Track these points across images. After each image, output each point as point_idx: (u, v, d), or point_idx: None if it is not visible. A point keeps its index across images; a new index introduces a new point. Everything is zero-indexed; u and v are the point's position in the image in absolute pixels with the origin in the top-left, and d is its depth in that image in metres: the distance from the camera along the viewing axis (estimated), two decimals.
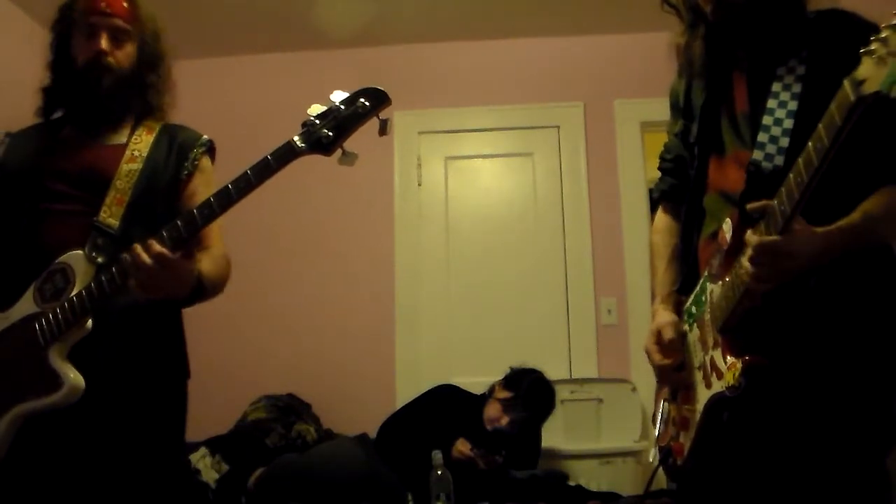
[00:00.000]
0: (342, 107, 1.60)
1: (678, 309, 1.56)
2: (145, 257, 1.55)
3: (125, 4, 1.85)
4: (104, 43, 1.83)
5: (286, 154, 1.60)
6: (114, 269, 1.62)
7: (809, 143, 1.11)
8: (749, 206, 1.24)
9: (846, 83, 1.03)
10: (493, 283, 3.89)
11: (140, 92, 1.89)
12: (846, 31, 1.39)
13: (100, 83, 1.83)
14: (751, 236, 1.23)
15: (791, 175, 1.15)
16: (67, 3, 1.89)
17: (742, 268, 1.26)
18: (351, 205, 3.98)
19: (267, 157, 1.61)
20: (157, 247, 1.56)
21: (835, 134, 1.05)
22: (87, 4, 1.85)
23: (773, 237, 1.19)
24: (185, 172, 1.89)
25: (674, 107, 1.70)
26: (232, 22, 3.85)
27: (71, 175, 1.81)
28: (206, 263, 1.76)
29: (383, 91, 1.61)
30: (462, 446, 3.00)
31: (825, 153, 1.08)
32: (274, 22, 3.86)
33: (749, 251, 1.23)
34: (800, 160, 1.13)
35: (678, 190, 1.67)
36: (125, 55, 1.86)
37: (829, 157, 1.08)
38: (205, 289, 1.73)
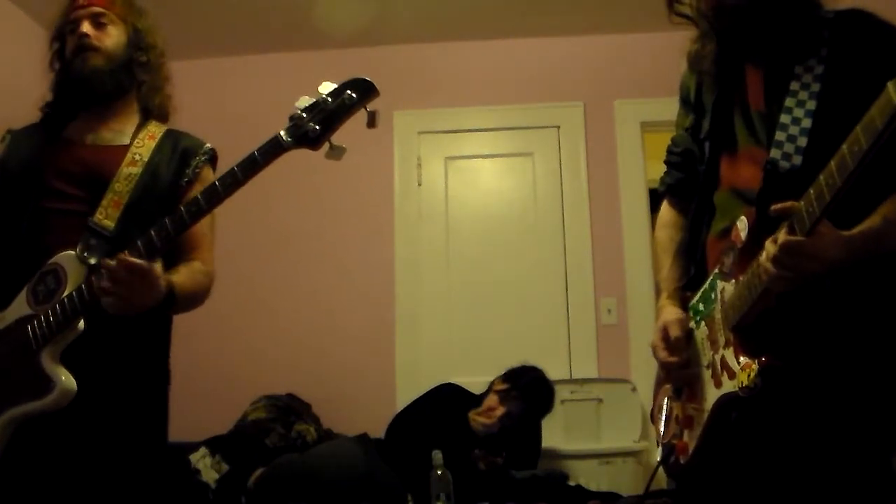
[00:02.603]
0: (329, 99, 1.57)
1: (684, 305, 1.55)
2: (118, 269, 1.55)
3: None
4: (85, 27, 1.85)
5: (273, 149, 1.59)
6: (93, 280, 1.61)
7: (844, 146, 1.08)
8: (774, 207, 1.22)
9: (891, 86, 1.00)
10: (493, 283, 3.89)
11: (130, 70, 1.89)
12: (868, 32, 1.39)
13: (86, 62, 1.84)
14: (776, 235, 1.21)
15: (822, 177, 1.13)
16: (58, 20, 1.92)
17: (762, 267, 1.24)
18: (351, 205, 3.98)
19: (254, 152, 1.59)
20: (125, 258, 1.55)
21: (874, 137, 1.03)
22: (70, 6, 1.89)
23: (799, 238, 1.18)
24: (185, 180, 1.88)
25: (684, 101, 1.68)
26: (232, 22, 3.85)
27: (72, 174, 1.81)
28: (181, 276, 1.74)
29: (370, 81, 1.57)
30: (477, 416, 3.03)
31: (862, 156, 1.06)
32: (274, 22, 3.86)
33: (772, 250, 1.21)
34: (832, 162, 1.11)
35: (685, 184, 1.65)
36: (110, 38, 1.87)
37: (866, 160, 1.06)
38: (177, 299, 1.70)
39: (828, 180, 1.12)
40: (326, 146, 1.59)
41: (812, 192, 1.15)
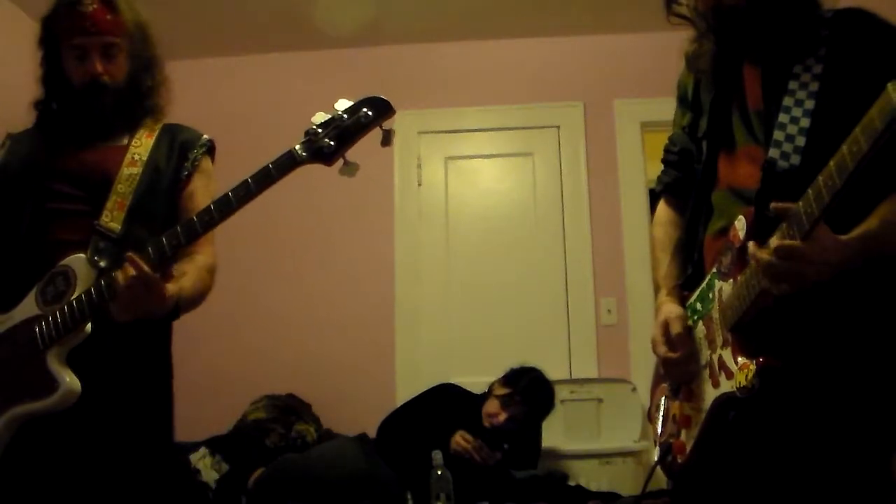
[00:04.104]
0: (345, 116, 1.59)
1: (682, 304, 1.55)
2: (133, 275, 1.56)
3: (108, 17, 1.81)
4: (98, 66, 1.81)
5: (287, 163, 1.60)
6: (101, 284, 1.62)
7: (844, 147, 1.07)
8: (774, 205, 1.21)
9: (890, 87, 0.99)
10: (493, 283, 3.89)
11: (140, 99, 1.89)
12: (867, 32, 1.38)
13: (100, 102, 1.83)
14: (773, 239, 1.21)
15: (820, 178, 1.12)
16: (49, 16, 1.86)
17: (759, 269, 1.24)
18: (351, 205, 3.98)
19: (268, 165, 1.60)
20: (143, 267, 1.56)
21: (874, 139, 1.02)
22: (70, 24, 1.81)
23: (796, 242, 1.17)
24: (185, 173, 1.89)
25: (681, 99, 1.68)
26: (232, 22, 3.85)
27: (73, 175, 1.81)
28: (188, 279, 1.75)
29: (387, 101, 1.59)
30: (460, 439, 2.99)
31: (861, 157, 1.05)
32: (274, 22, 3.86)
33: (767, 255, 1.20)
34: (832, 163, 1.10)
35: (682, 183, 1.65)
36: (119, 68, 1.85)
37: (865, 161, 1.05)
38: (180, 309, 1.72)
39: (827, 182, 1.11)
40: (340, 162, 1.60)
41: (811, 193, 1.14)
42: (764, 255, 1.21)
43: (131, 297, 1.58)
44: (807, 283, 1.20)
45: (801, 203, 1.17)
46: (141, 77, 1.89)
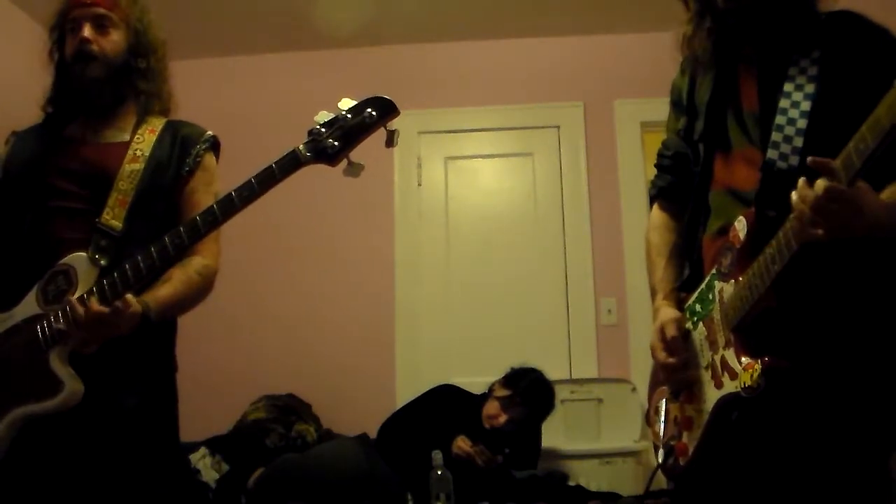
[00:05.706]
0: (349, 116, 1.57)
1: (679, 306, 1.55)
2: (80, 315, 1.57)
3: None
4: (87, 31, 1.82)
5: (290, 163, 1.59)
6: (104, 284, 1.63)
7: (850, 144, 1.08)
8: (811, 159, 1.16)
9: None
10: (493, 283, 3.89)
11: (129, 79, 1.87)
12: (859, 34, 1.40)
13: (85, 71, 1.82)
14: (819, 181, 1.15)
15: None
16: (58, 10, 1.89)
17: (805, 207, 1.17)
18: (351, 205, 3.98)
19: (272, 165, 1.59)
20: (87, 310, 1.58)
21: (881, 137, 1.03)
22: (70, 2, 1.85)
23: (844, 186, 1.12)
24: (187, 169, 1.87)
25: (675, 104, 1.68)
26: (232, 22, 3.85)
27: (75, 173, 1.80)
28: (168, 287, 1.72)
29: (391, 101, 1.57)
30: (462, 443, 3.00)
31: (868, 156, 1.06)
32: (274, 22, 3.86)
33: (811, 195, 1.15)
34: (838, 161, 1.11)
35: (677, 187, 1.65)
36: (112, 43, 1.84)
37: (871, 162, 1.06)
38: (152, 320, 1.68)
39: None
40: (344, 162, 1.59)
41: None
42: (810, 192, 1.16)
43: (86, 334, 1.60)
44: (839, 232, 1.16)
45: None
46: (135, 58, 1.87)
